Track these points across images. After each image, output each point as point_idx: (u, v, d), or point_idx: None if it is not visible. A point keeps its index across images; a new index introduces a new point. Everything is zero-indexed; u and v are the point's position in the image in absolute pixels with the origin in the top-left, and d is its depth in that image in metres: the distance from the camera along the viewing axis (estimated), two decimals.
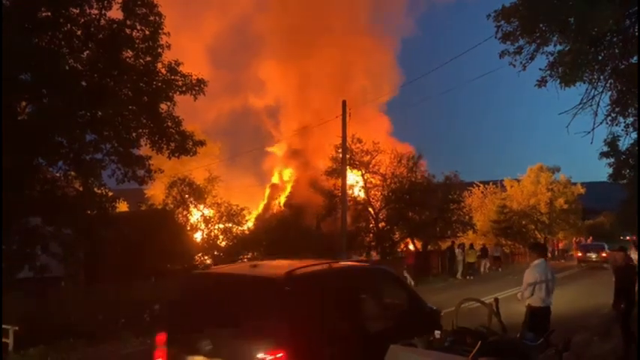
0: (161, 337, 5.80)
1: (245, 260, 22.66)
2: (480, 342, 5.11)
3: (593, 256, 33.60)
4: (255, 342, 5.04)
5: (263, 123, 45.86)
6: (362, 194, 28.69)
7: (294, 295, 5.30)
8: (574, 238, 53.29)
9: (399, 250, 30.57)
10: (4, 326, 10.22)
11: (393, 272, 7.78)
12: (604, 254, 32.40)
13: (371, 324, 6.23)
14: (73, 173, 12.80)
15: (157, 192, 29.56)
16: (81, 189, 13.04)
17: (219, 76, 41.81)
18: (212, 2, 49.50)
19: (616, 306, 9.76)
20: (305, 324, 5.34)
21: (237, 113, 47.50)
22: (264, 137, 44.99)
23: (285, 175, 42.19)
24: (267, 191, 42.47)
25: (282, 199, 38.63)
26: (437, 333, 5.69)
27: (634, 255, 19.42)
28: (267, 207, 39.49)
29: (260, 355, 4.89)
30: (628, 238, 43.16)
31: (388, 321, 6.45)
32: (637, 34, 8.78)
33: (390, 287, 7.28)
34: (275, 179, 42.67)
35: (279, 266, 6.28)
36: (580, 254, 35.05)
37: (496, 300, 6.48)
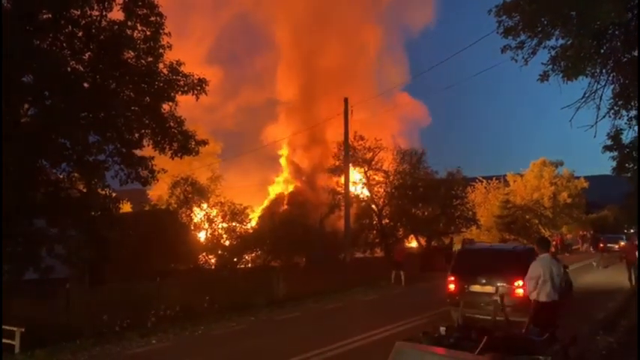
0: (452, 277, 12.27)
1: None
2: (485, 337, 5.11)
3: (615, 246, 36.47)
4: (508, 277, 11.19)
5: (269, 119, 45.72)
6: (365, 191, 28.66)
7: (519, 258, 11.64)
8: (580, 232, 53.22)
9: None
10: (10, 328, 10.25)
11: None
12: (622, 243, 34.20)
13: None
14: (76, 175, 12.82)
15: (160, 192, 29.63)
16: (85, 190, 13.06)
17: (222, 73, 41.97)
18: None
19: None
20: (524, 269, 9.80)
21: (242, 110, 47.28)
22: (270, 134, 44.85)
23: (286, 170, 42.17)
24: (280, 181, 42.37)
25: (287, 193, 38.61)
26: (442, 329, 5.68)
27: None
28: (275, 201, 39.44)
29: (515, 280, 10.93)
30: (632, 230, 43.19)
31: None
32: (638, 27, 8.75)
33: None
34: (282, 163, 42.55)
35: (508, 246, 16.87)
36: (602, 245, 37.94)
37: (502, 296, 6.49)
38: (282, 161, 42.61)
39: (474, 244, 29.08)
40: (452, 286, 12.22)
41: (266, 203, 39.72)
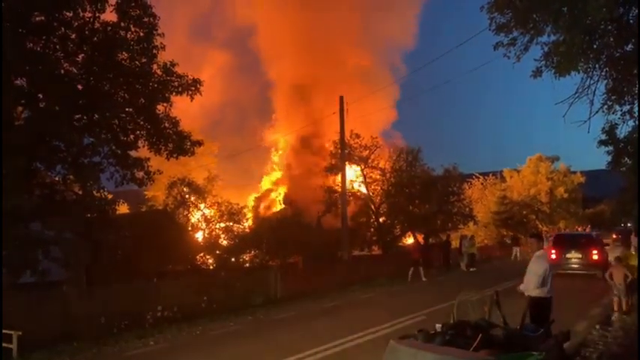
0: (552, 250, 21.05)
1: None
2: (480, 335, 5.13)
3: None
4: (586, 248, 20.91)
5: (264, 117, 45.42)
6: (362, 189, 28.69)
7: (592, 238, 22.93)
8: (576, 227, 53.37)
9: (400, 244, 30.61)
10: (7, 332, 10.23)
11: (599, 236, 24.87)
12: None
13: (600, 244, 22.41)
14: (71, 177, 12.81)
15: (157, 193, 29.59)
16: (80, 192, 13.05)
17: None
18: None
19: None
20: (597, 245, 21.42)
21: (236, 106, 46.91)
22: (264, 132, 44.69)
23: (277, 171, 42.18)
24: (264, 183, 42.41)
25: (281, 196, 38.54)
26: (438, 326, 5.70)
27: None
28: (258, 205, 39.44)
29: (592, 251, 20.82)
30: (629, 225, 43.42)
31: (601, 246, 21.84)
32: (634, 21, 8.76)
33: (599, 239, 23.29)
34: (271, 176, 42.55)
35: (584, 232, 35.16)
36: (615, 237, 40.09)
37: (496, 292, 6.49)
38: (276, 159, 42.68)
39: (473, 240, 29.41)
40: (554, 256, 20.57)
41: (255, 195, 39.65)
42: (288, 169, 40.77)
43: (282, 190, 39.53)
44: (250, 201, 40.25)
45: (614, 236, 38.61)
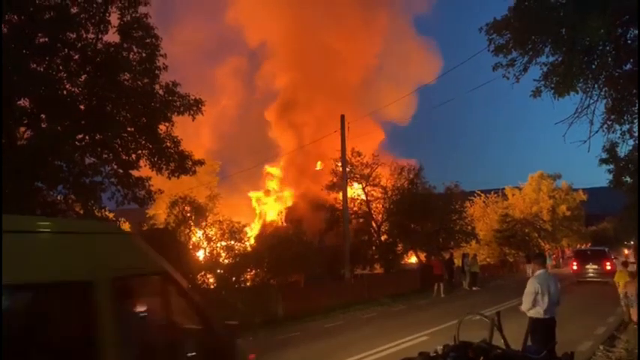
0: (574, 262, 28.70)
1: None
2: (481, 357, 5.09)
3: None
4: (601, 260, 27.35)
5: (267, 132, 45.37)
6: (363, 207, 28.65)
7: (605, 252, 28.87)
8: (578, 245, 53.16)
9: (402, 262, 30.48)
10: None
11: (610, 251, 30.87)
12: None
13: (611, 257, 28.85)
14: (73, 196, 12.83)
15: (159, 211, 29.55)
16: (81, 212, 13.06)
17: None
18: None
19: None
20: (609, 258, 27.89)
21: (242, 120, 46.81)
22: (267, 148, 44.68)
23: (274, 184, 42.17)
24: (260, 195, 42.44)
25: (283, 213, 38.47)
26: (439, 348, 5.65)
27: None
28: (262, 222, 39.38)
29: (605, 262, 27.39)
30: (632, 242, 43.17)
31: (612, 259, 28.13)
32: (632, 42, 8.83)
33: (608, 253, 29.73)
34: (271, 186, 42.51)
35: (599, 248, 32.95)
36: (627, 253, 44.16)
37: (497, 313, 6.44)
38: (274, 182, 42.64)
39: (475, 258, 29.33)
40: (575, 267, 27.77)
41: (258, 223, 39.50)
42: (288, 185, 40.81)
43: (288, 193, 39.50)
44: (254, 198, 40.23)
45: (627, 252, 38.59)
